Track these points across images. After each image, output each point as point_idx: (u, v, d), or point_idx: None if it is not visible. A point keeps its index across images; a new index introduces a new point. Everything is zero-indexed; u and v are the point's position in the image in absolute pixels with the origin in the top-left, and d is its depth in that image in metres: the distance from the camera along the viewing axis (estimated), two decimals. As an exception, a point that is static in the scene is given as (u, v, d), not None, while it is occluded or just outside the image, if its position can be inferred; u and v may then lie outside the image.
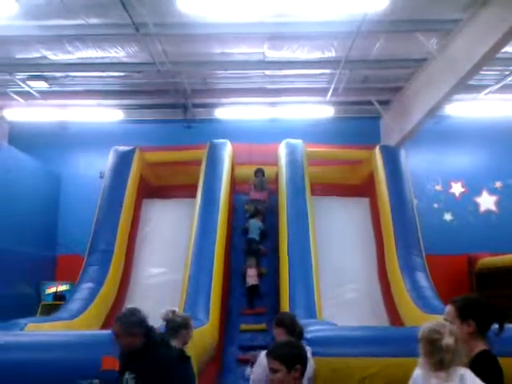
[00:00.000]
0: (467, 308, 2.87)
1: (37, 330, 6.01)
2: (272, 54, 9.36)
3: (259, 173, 10.69)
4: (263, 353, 3.69)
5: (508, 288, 9.48)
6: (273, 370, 2.64)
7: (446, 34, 8.42)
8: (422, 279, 8.16)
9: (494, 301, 9.47)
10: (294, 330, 4.00)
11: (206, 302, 7.18)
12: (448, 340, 2.63)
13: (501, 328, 2.87)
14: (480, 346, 2.79)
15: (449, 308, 2.94)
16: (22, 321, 6.20)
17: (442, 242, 11.11)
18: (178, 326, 4.18)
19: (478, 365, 2.70)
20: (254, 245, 9.50)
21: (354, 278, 9.23)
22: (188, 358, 4.15)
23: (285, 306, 7.31)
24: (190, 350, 4.45)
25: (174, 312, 4.28)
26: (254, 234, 9.58)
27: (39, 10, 7.62)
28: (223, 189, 9.30)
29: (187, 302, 7.22)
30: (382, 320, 8.57)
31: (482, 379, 2.60)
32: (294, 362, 2.63)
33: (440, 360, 2.63)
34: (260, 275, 9.19)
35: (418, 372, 2.80)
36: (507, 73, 10.03)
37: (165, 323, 4.21)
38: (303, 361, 2.69)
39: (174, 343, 4.12)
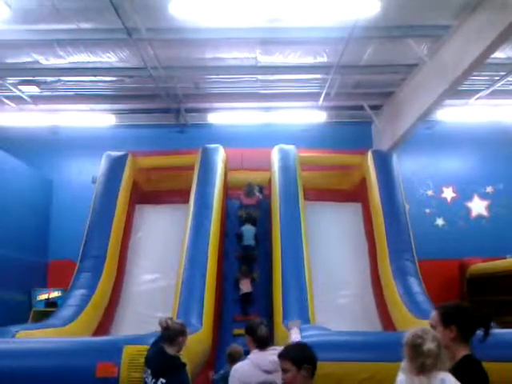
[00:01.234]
0: (450, 314, 2.95)
1: (28, 338, 5.96)
2: (264, 59, 9.38)
3: (249, 186, 10.70)
4: (234, 367, 3.82)
5: (499, 293, 9.53)
6: (284, 370, 2.99)
7: (437, 40, 8.49)
8: (415, 284, 8.18)
9: (485, 306, 9.48)
10: (256, 336, 3.87)
11: (199, 308, 7.15)
12: (430, 345, 2.72)
13: (486, 334, 2.92)
14: (463, 351, 2.85)
15: (433, 314, 3.04)
16: (13, 328, 6.15)
17: (434, 247, 11.14)
18: (175, 333, 4.17)
19: (461, 370, 2.76)
20: (251, 252, 9.49)
21: (346, 283, 9.24)
22: (184, 365, 4.14)
23: (278, 312, 7.31)
24: (184, 356, 4.44)
25: (171, 319, 4.28)
26: (250, 241, 9.57)
27: (31, 14, 7.59)
28: (216, 194, 9.28)
29: (180, 308, 7.19)
30: (375, 325, 8.58)
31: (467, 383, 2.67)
32: (302, 362, 2.97)
33: (422, 364, 2.71)
34: (252, 281, 9.18)
35: (401, 377, 2.88)
36: (497, 78, 10.11)
37: (161, 331, 4.20)
38: (311, 360, 3.02)
39: (170, 350, 4.11)
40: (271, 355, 3.61)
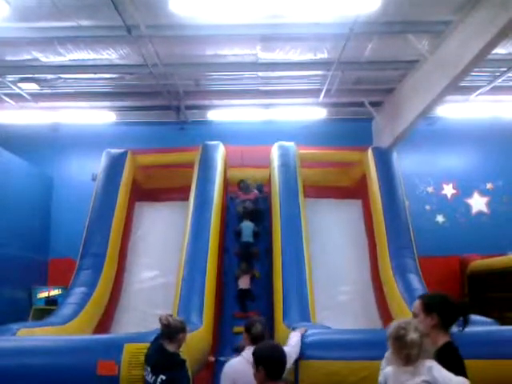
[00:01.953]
0: (431, 303, 3.11)
1: (29, 336, 5.96)
2: (265, 56, 9.36)
3: (242, 182, 10.73)
4: (228, 363, 3.96)
5: (500, 290, 9.53)
6: None
7: (438, 36, 8.46)
8: (415, 281, 8.17)
9: (486, 303, 9.46)
10: (251, 333, 4.11)
11: (199, 306, 7.14)
12: (412, 335, 2.84)
13: (465, 322, 3.07)
14: (443, 339, 3.00)
15: (416, 302, 3.19)
16: (14, 326, 6.15)
17: (435, 244, 11.13)
18: (176, 330, 4.18)
19: (442, 356, 2.90)
20: (250, 248, 9.49)
21: (346, 280, 9.24)
22: (183, 362, 4.14)
23: (278, 309, 7.30)
24: (185, 353, 4.44)
25: (171, 316, 4.29)
26: (248, 237, 9.55)
27: (30, 11, 7.57)
28: (216, 191, 9.27)
29: (180, 305, 7.18)
30: (375, 322, 8.58)
31: (447, 368, 2.80)
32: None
33: (407, 355, 2.83)
34: (253, 278, 9.18)
35: (388, 368, 2.99)
36: (498, 74, 10.10)
37: (161, 328, 4.19)
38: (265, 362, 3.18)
39: (170, 347, 4.11)
40: None
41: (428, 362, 2.83)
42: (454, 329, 3.10)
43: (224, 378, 3.89)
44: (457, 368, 2.84)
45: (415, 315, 3.10)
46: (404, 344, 2.83)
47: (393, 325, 2.97)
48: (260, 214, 10.19)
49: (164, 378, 3.93)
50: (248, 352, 3.81)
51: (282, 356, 3.27)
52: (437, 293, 3.37)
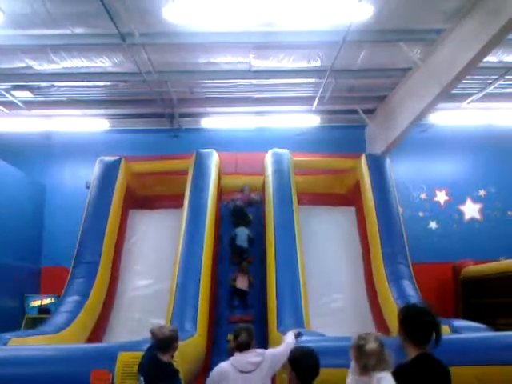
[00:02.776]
0: (403, 318, 3.10)
1: (21, 345, 5.90)
2: (258, 64, 9.41)
3: (244, 185, 10.97)
4: (217, 366, 4.19)
5: (493, 296, 9.56)
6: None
7: (430, 44, 8.54)
8: (409, 288, 8.18)
9: (479, 308, 9.44)
10: (237, 341, 4.33)
11: (193, 313, 7.11)
12: (370, 345, 2.92)
13: (437, 340, 2.97)
14: (415, 351, 2.96)
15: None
16: (6, 335, 6.09)
17: (428, 250, 11.18)
18: (169, 340, 4.16)
19: (412, 369, 2.91)
20: (243, 253, 9.50)
21: (340, 287, 9.22)
22: (177, 372, 4.13)
23: (272, 316, 7.28)
24: (179, 361, 4.42)
25: (163, 327, 4.27)
26: (243, 242, 9.57)
27: (24, 19, 7.58)
28: (210, 199, 9.26)
29: (174, 312, 7.15)
30: (369, 328, 8.55)
31: (414, 382, 2.83)
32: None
33: (365, 365, 2.91)
34: (250, 283, 9.17)
35: (350, 377, 3.08)
36: (489, 82, 10.18)
37: (154, 339, 4.16)
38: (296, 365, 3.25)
39: (164, 357, 4.09)
40: (251, 357, 4.21)
41: (379, 373, 2.86)
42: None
43: (210, 379, 4.19)
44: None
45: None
46: (363, 353, 2.91)
47: (355, 334, 3.07)
48: (246, 214, 10.25)
49: None
50: (236, 358, 4.20)
51: (316, 363, 3.34)
52: (410, 305, 3.43)
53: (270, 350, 4.50)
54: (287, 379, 3.30)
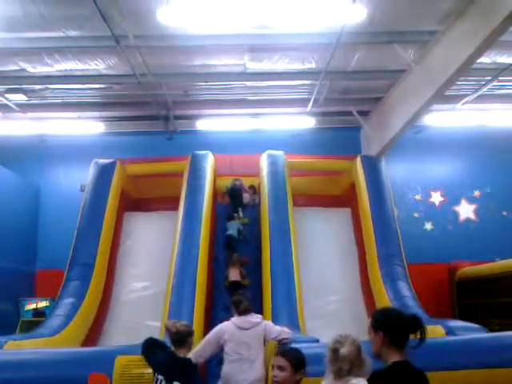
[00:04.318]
0: (378, 320, 2.94)
1: (16, 348, 5.88)
2: (253, 66, 9.41)
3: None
4: (220, 325, 5.15)
5: (488, 296, 9.59)
6: (280, 368, 3.04)
7: (423, 46, 8.57)
8: (405, 289, 8.20)
9: (474, 309, 9.46)
10: (239, 309, 5.24)
11: (189, 315, 7.09)
12: (345, 349, 2.84)
13: (420, 341, 2.81)
14: (393, 358, 2.80)
15: (369, 320, 3.02)
16: (2, 338, 6.08)
17: (423, 252, 11.20)
18: (185, 334, 4.23)
19: (387, 376, 2.76)
20: (233, 243, 9.71)
21: (336, 289, 9.23)
22: (196, 367, 4.19)
23: (267, 319, 7.26)
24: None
25: (178, 322, 4.35)
26: (233, 231, 9.78)
27: (17, 21, 7.54)
28: (205, 201, 9.26)
29: (170, 314, 7.13)
30: (365, 331, 8.53)
31: None
32: (300, 366, 3.08)
33: (339, 369, 2.84)
34: (242, 276, 9.18)
35: (324, 382, 3.00)
36: (483, 83, 10.22)
37: (171, 335, 4.23)
38: (305, 367, 3.12)
39: (181, 353, 4.14)
40: (251, 318, 5.16)
41: (354, 379, 2.78)
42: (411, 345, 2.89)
43: (215, 331, 5.08)
44: None
45: (369, 334, 2.94)
46: (337, 357, 2.84)
47: (332, 337, 2.99)
48: (241, 196, 10.56)
49: None
50: (237, 318, 5.12)
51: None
52: (385, 308, 3.32)
53: (268, 321, 5.49)
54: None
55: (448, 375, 4.40)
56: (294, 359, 3.08)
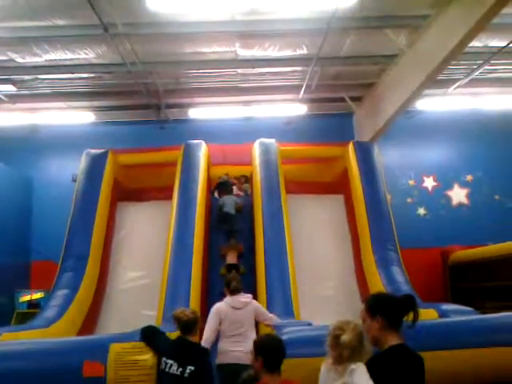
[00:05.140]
0: (375, 305, 3.00)
1: (12, 339, 5.88)
2: (244, 53, 9.36)
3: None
4: (215, 305, 5.53)
5: (480, 280, 9.67)
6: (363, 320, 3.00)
7: (415, 30, 8.54)
8: (398, 274, 8.24)
9: (467, 293, 9.53)
10: (230, 288, 5.65)
11: (185, 305, 7.09)
12: (346, 336, 2.87)
13: (414, 318, 2.94)
14: (391, 341, 2.88)
15: (362, 307, 3.07)
16: (-3, 330, 6.07)
17: (416, 236, 11.23)
18: (193, 321, 4.39)
19: (386, 359, 2.84)
20: (231, 220, 9.53)
21: (330, 275, 9.27)
22: (207, 351, 4.49)
23: (262, 306, 7.29)
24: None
25: (185, 309, 4.51)
26: (230, 209, 9.57)
27: (4, 11, 7.46)
28: (200, 190, 9.23)
29: (166, 305, 7.15)
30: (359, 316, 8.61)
31: (387, 373, 2.75)
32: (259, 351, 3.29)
33: (339, 354, 2.87)
34: (240, 256, 9.20)
35: (323, 367, 3.06)
36: (475, 67, 10.22)
37: (181, 323, 4.36)
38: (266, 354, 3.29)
39: (191, 338, 4.34)
40: (242, 298, 5.55)
41: (354, 364, 2.83)
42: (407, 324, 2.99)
43: (213, 314, 5.38)
44: (386, 376, 2.77)
45: (363, 321, 3.00)
46: (338, 343, 2.87)
47: (333, 323, 3.02)
48: (228, 187, 10.42)
49: (193, 368, 4.03)
50: (229, 298, 5.52)
51: (281, 347, 3.38)
52: (378, 293, 3.40)
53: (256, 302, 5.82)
54: (254, 366, 3.34)
55: (439, 354, 4.47)
56: (257, 346, 3.36)
